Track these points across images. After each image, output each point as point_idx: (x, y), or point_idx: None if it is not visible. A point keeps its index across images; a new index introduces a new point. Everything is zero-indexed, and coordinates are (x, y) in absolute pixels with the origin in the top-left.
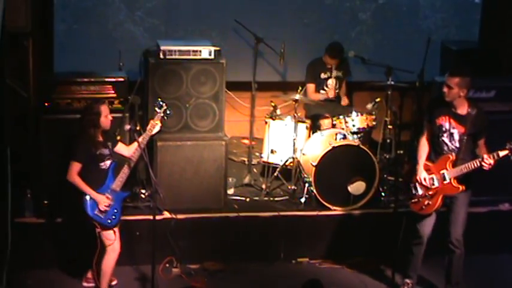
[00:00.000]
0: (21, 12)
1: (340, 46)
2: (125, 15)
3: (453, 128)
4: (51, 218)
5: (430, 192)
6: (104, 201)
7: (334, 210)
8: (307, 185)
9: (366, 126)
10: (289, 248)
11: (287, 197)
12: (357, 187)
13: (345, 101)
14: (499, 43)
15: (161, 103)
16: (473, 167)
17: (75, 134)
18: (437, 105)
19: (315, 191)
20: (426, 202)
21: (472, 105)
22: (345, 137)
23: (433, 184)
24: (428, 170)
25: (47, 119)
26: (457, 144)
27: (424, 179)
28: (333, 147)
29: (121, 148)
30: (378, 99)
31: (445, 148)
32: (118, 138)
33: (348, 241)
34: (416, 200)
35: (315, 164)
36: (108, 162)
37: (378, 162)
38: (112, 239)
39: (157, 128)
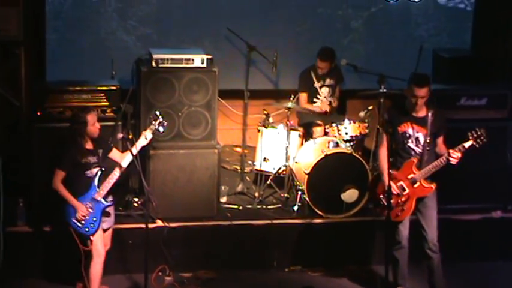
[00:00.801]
0: (13, 21)
1: (331, 50)
2: (117, 24)
3: (417, 132)
4: (44, 227)
5: (403, 199)
6: (82, 209)
7: (327, 218)
8: (300, 193)
9: (358, 134)
10: (282, 256)
11: (280, 205)
12: (349, 195)
13: (324, 106)
14: (491, 51)
15: (157, 115)
16: (441, 164)
17: (64, 142)
18: (396, 113)
19: (307, 199)
20: (400, 209)
21: (430, 106)
22: (337, 145)
23: (404, 190)
24: (395, 178)
25: (39, 127)
26: (422, 147)
27: (394, 188)
28: (326, 155)
29: (115, 154)
30: (370, 107)
31: (413, 153)
32: (112, 144)
33: (340, 249)
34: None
35: (307, 172)
36: (94, 171)
37: (370, 170)
38: (88, 247)
39: (148, 140)
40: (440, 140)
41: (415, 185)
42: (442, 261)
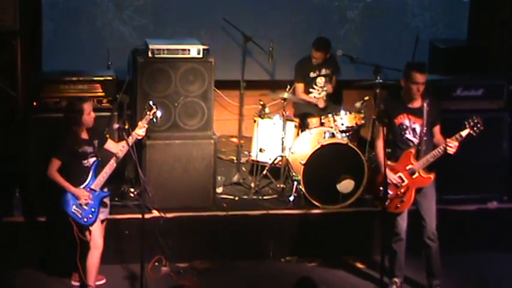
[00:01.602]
0: (9, 12)
1: (326, 40)
2: (114, 15)
3: (413, 123)
4: (40, 217)
5: (402, 190)
6: (83, 194)
7: (323, 208)
8: (296, 183)
9: (354, 125)
10: (278, 246)
11: (276, 196)
12: (345, 185)
13: (329, 89)
14: (487, 41)
15: (151, 105)
16: (439, 153)
17: (59, 131)
18: (392, 105)
19: (303, 189)
20: (400, 200)
21: (424, 96)
22: (333, 136)
23: (403, 181)
24: (393, 169)
25: (35, 118)
26: (419, 138)
27: (394, 179)
28: (322, 145)
29: (110, 145)
30: (366, 98)
31: (411, 144)
32: (107, 135)
33: (337, 239)
34: (388, 201)
35: (303, 162)
36: (91, 160)
37: (366, 161)
38: (87, 238)
39: (143, 130)
40: (437, 130)
41: (414, 176)
42: (438, 248)
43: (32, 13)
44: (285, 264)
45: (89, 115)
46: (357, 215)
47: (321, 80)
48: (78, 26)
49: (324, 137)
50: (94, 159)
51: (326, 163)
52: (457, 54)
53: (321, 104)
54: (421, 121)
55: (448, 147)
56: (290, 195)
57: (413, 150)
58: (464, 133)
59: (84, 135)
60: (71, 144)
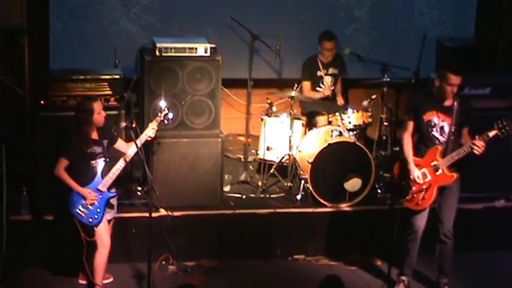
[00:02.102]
0: (16, 10)
1: (332, 31)
2: (121, 13)
3: (442, 121)
4: (47, 216)
5: (424, 186)
6: (89, 195)
7: (330, 207)
8: (303, 182)
9: (361, 123)
10: (286, 245)
11: (283, 194)
12: (352, 184)
13: (340, 101)
14: (495, 40)
15: (163, 107)
16: (464, 152)
17: (68, 130)
18: (422, 101)
19: (310, 188)
20: (421, 197)
21: (456, 95)
22: (340, 134)
23: (426, 177)
24: (418, 165)
25: (42, 116)
26: (447, 136)
27: (418, 177)
28: (329, 144)
29: (120, 145)
30: (373, 96)
31: (437, 142)
32: (116, 134)
33: (344, 238)
34: (410, 196)
35: (310, 161)
36: (99, 161)
37: (373, 159)
38: (92, 238)
39: (153, 131)
40: (465, 131)
41: (437, 173)
42: (452, 246)
43: (39, 11)
44: (292, 263)
45: (99, 114)
46: (364, 214)
47: (328, 79)
48: (86, 24)
49: (331, 136)
50: (102, 159)
51: (333, 162)
52: (464, 53)
53: (327, 92)
54: (450, 120)
55: (474, 146)
56: (297, 194)
57: (440, 147)
58: (491, 134)
59: (94, 135)
60: (80, 144)
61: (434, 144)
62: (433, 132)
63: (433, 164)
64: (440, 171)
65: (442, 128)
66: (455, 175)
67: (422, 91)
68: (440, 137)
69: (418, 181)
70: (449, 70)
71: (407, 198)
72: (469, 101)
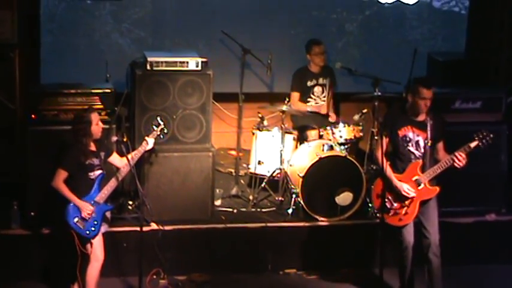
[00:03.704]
0: (7, 24)
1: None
2: (112, 27)
3: (417, 135)
4: (38, 230)
5: (407, 202)
6: (86, 208)
7: (322, 221)
8: (294, 196)
9: (353, 137)
10: (277, 259)
11: (274, 208)
12: (344, 198)
13: (332, 117)
14: (486, 54)
15: (159, 121)
16: (446, 165)
17: (66, 142)
18: (397, 117)
19: (302, 202)
20: (404, 212)
21: (428, 110)
22: (332, 148)
23: (410, 193)
24: (399, 181)
25: (33, 130)
26: (423, 151)
27: (408, 189)
28: (320, 158)
29: (115, 159)
30: (364, 110)
31: (413, 157)
32: (113, 149)
33: (335, 252)
34: (392, 213)
35: (302, 175)
36: (97, 173)
37: (364, 173)
38: (87, 250)
39: (150, 145)
40: (440, 146)
41: (419, 187)
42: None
43: (30, 26)
44: (283, 277)
45: (97, 125)
46: (355, 228)
47: (318, 90)
48: (77, 38)
49: (323, 150)
50: (100, 171)
51: (324, 176)
52: (455, 67)
53: (324, 111)
54: (424, 134)
55: (456, 159)
56: (288, 208)
57: (420, 162)
58: (472, 145)
59: (92, 147)
60: (78, 156)
61: (409, 159)
62: (408, 147)
63: (414, 179)
64: (422, 185)
65: (417, 142)
66: (437, 188)
67: (395, 106)
68: (416, 152)
69: (409, 193)
70: (421, 83)
71: (390, 214)
72: (442, 115)
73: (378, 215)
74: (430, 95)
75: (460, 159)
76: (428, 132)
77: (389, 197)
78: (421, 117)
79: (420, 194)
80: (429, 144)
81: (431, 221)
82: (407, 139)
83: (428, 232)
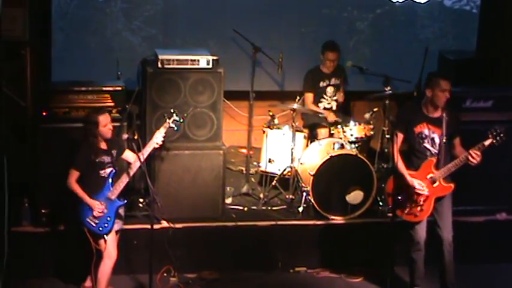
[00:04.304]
0: (19, 22)
1: (335, 41)
2: (123, 25)
3: (432, 132)
4: (49, 227)
5: (422, 199)
6: (97, 206)
7: (332, 219)
8: (304, 194)
9: (363, 136)
10: (287, 257)
11: (285, 206)
12: (354, 196)
13: (331, 117)
14: (497, 53)
15: (172, 112)
16: (460, 163)
17: (76, 141)
18: (411, 114)
19: (312, 200)
20: (419, 209)
21: (444, 107)
22: (342, 147)
23: (424, 190)
24: (413, 178)
25: (44, 128)
26: (438, 147)
27: (419, 184)
28: (331, 156)
29: (128, 155)
30: (375, 109)
31: (428, 153)
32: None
33: (345, 250)
34: (408, 209)
35: (312, 173)
36: (108, 170)
37: (375, 172)
38: (101, 247)
39: (160, 138)
40: (457, 142)
41: (434, 185)
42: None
43: (41, 23)
44: (293, 275)
45: (105, 127)
46: (365, 226)
47: (330, 90)
48: (88, 36)
49: (333, 148)
50: (111, 169)
51: (335, 174)
52: (466, 66)
53: (331, 119)
54: (440, 131)
55: (470, 157)
56: (299, 206)
57: (434, 159)
58: (486, 143)
59: (103, 145)
60: (88, 154)
61: (425, 156)
62: (424, 144)
63: (429, 176)
64: (437, 183)
65: (432, 139)
66: (452, 185)
67: (409, 104)
68: (431, 149)
69: (420, 189)
70: (440, 76)
71: (405, 211)
72: (457, 112)
73: (389, 213)
74: (449, 87)
75: (475, 156)
76: (444, 129)
77: (404, 194)
78: (437, 114)
79: (435, 191)
80: (444, 140)
81: (445, 218)
82: (423, 136)
83: (441, 229)
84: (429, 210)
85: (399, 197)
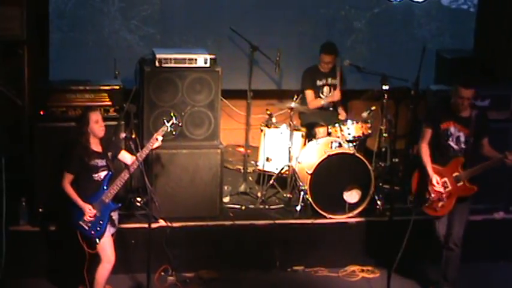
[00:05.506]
0: (16, 21)
1: (334, 44)
2: (121, 24)
3: (458, 131)
4: (46, 226)
5: (444, 195)
6: (88, 211)
7: (330, 218)
8: (302, 193)
9: (361, 135)
10: (285, 256)
11: (282, 205)
12: (352, 195)
13: (342, 115)
14: (494, 52)
15: (172, 115)
16: (492, 165)
17: (69, 142)
18: (440, 111)
19: (310, 199)
20: (440, 204)
21: (473, 107)
22: (340, 145)
23: (447, 187)
24: (439, 173)
25: (41, 127)
26: (463, 146)
27: (437, 182)
28: (328, 155)
29: (125, 156)
30: (373, 108)
31: (451, 151)
32: (121, 146)
33: (343, 249)
34: (429, 203)
35: (310, 172)
36: (102, 174)
37: (373, 171)
38: (94, 250)
39: (159, 143)
40: (485, 142)
41: (458, 184)
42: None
43: (39, 22)
44: (291, 274)
45: (96, 123)
46: (363, 225)
47: (327, 89)
48: (85, 35)
49: (331, 147)
50: (105, 173)
51: (333, 173)
52: (463, 65)
53: (337, 97)
54: (466, 131)
55: (508, 160)
56: (297, 205)
57: (462, 159)
58: None
59: (97, 148)
60: (81, 156)
61: (448, 153)
62: (448, 141)
63: (454, 175)
64: (461, 182)
65: (458, 138)
66: (475, 188)
67: (441, 101)
68: (455, 146)
69: (436, 186)
70: (459, 83)
71: (427, 204)
72: (485, 113)
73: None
74: (468, 95)
75: (511, 158)
76: (471, 129)
77: (429, 188)
78: (465, 114)
79: (458, 190)
80: (471, 140)
81: (460, 216)
82: (449, 133)
83: (453, 226)
84: (450, 207)
85: (423, 190)
